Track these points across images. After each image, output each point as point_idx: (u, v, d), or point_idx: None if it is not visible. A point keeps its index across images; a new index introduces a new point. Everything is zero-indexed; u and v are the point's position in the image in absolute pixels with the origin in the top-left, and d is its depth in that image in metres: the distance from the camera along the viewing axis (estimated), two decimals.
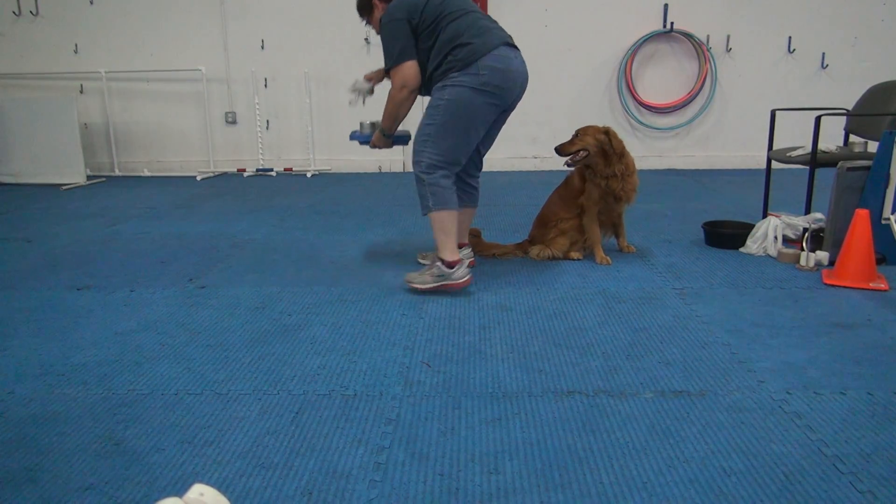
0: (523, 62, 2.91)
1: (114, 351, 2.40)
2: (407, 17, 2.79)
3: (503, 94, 2.82)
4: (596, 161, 3.25)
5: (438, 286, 2.90)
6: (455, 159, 2.88)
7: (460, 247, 3.28)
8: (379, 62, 6.86)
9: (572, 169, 3.45)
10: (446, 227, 2.86)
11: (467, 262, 3.24)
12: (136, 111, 6.65)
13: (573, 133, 3.31)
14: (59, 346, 2.46)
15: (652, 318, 2.63)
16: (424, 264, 3.34)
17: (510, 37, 2.91)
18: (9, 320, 2.72)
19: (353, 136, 3.28)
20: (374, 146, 3.13)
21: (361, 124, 3.22)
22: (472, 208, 3.25)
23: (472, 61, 2.75)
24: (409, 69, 2.83)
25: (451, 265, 2.86)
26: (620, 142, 3.26)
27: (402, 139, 3.18)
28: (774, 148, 3.96)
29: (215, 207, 4.96)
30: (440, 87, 2.84)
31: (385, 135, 3.06)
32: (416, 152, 2.90)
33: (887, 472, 1.62)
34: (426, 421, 1.89)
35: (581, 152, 3.24)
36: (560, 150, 3.28)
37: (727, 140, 6.43)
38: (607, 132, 3.24)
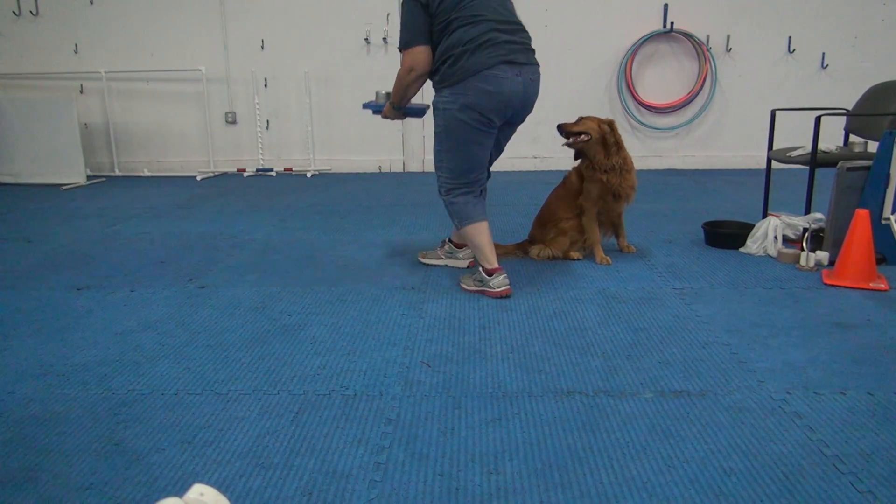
0: (529, 81, 2.78)
1: (114, 351, 2.40)
2: (425, 1, 2.70)
3: (492, 114, 2.76)
4: (595, 151, 3.25)
5: (479, 290, 2.94)
6: (468, 176, 2.89)
7: (459, 247, 3.30)
8: (378, 63, 6.85)
9: (570, 169, 3.46)
10: (475, 240, 2.91)
11: (466, 262, 3.29)
12: (136, 111, 6.65)
13: (577, 117, 3.32)
14: (59, 346, 2.46)
15: (652, 318, 2.63)
16: (426, 263, 3.35)
17: (524, 50, 2.77)
18: (9, 320, 2.72)
19: (365, 106, 3.22)
20: (385, 117, 3.08)
21: (377, 94, 3.14)
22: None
23: (460, 80, 2.70)
24: (419, 54, 2.75)
25: (489, 273, 2.88)
26: (620, 137, 3.30)
27: (417, 112, 3.11)
28: (774, 148, 3.96)
29: (215, 207, 4.96)
30: (434, 106, 2.84)
31: (395, 107, 3.00)
32: (436, 177, 2.98)
33: (887, 472, 1.62)
34: (426, 421, 1.89)
35: (583, 136, 3.25)
36: (562, 127, 3.28)
37: (727, 140, 6.43)
38: (610, 124, 3.28)
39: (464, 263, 3.28)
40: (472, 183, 2.91)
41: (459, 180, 2.89)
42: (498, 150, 3.05)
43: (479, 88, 2.69)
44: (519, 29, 2.81)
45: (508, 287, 2.88)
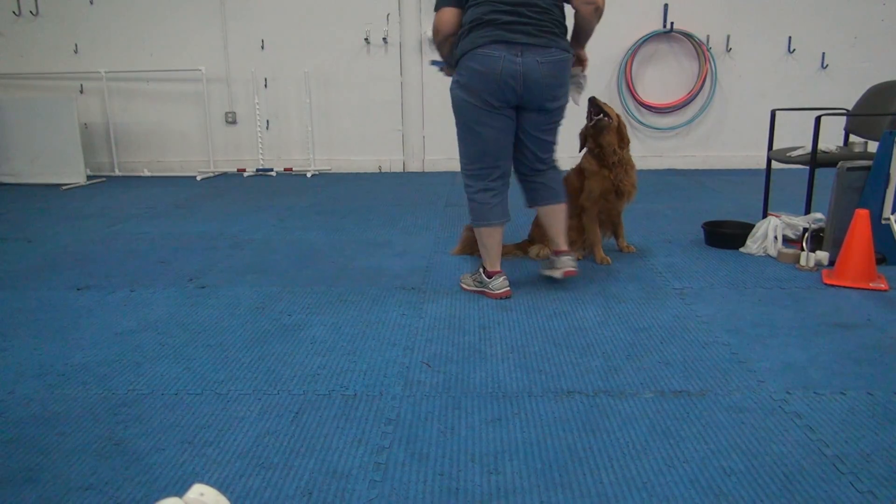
0: (535, 63, 2.62)
1: (114, 351, 2.40)
2: None
3: (486, 95, 2.65)
4: (611, 136, 3.28)
5: (478, 291, 2.94)
6: (482, 161, 2.79)
7: (557, 254, 2.98)
8: (378, 63, 6.84)
9: (569, 169, 3.47)
10: (484, 241, 2.89)
11: (561, 271, 2.93)
12: (136, 111, 6.65)
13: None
14: (59, 346, 2.46)
15: (652, 318, 2.63)
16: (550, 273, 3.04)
17: (534, 31, 2.61)
18: (9, 320, 2.72)
19: (433, 62, 3.21)
20: (448, 74, 3.01)
21: None
22: (554, 204, 2.95)
23: (458, 60, 2.70)
24: (442, 15, 2.72)
25: (489, 274, 2.88)
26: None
27: None
28: (774, 148, 3.96)
29: (215, 207, 4.96)
30: None
31: (449, 65, 2.93)
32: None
33: (887, 472, 1.62)
34: (426, 421, 1.89)
35: (605, 117, 3.29)
36: (595, 100, 3.31)
37: (727, 140, 6.43)
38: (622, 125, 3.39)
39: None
40: (490, 172, 2.80)
41: (474, 166, 2.82)
42: (533, 141, 2.83)
43: (470, 68, 2.65)
44: (535, 11, 2.62)
45: (508, 289, 2.87)
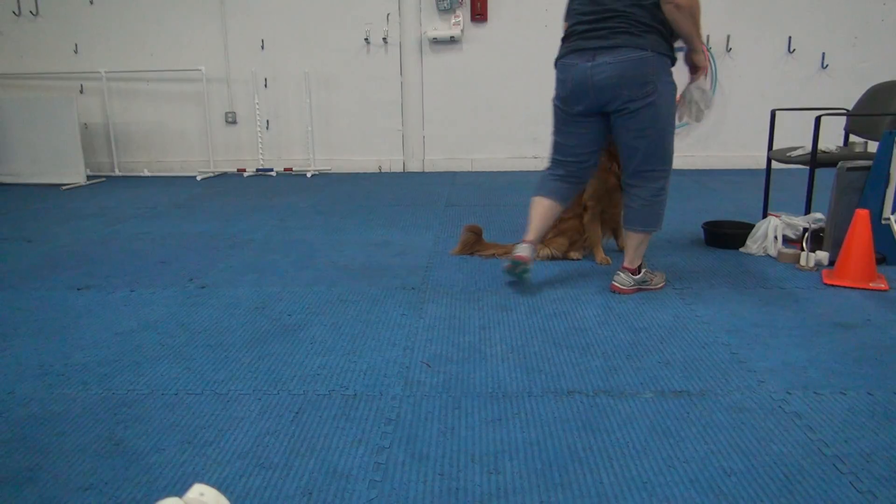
0: (604, 64, 2.65)
1: (114, 351, 2.40)
2: None
3: (564, 102, 2.87)
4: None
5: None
6: (554, 156, 3.01)
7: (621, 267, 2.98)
8: (378, 63, 6.84)
9: None
10: (530, 208, 3.04)
11: (613, 283, 2.94)
12: (136, 111, 6.65)
13: None
14: (59, 346, 2.46)
15: (652, 318, 2.63)
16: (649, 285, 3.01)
17: (606, 35, 2.66)
18: (9, 320, 2.72)
19: None
20: None
21: None
22: (627, 230, 2.91)
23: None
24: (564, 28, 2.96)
25: (522, 241, 3.00)
26: None
27: None
28: (774, 148, 3.96)
29: (215, 207, 4.96)
30: None
31: None
32: None
33: (887, 472, 1.62)
34: (426, 421, 1.89)
35: None
36: None
37: (727, 140, 6.43)
38: None
39: (658, 285, 2.98)
40: (557, 165, 3.00)
41: (551, 154, 3.03)
42: (623, 149, 2.81)
43: (556, 77, 2.89)
44: (610, 16, 2.66)
45: (520, 254, 2.91)
